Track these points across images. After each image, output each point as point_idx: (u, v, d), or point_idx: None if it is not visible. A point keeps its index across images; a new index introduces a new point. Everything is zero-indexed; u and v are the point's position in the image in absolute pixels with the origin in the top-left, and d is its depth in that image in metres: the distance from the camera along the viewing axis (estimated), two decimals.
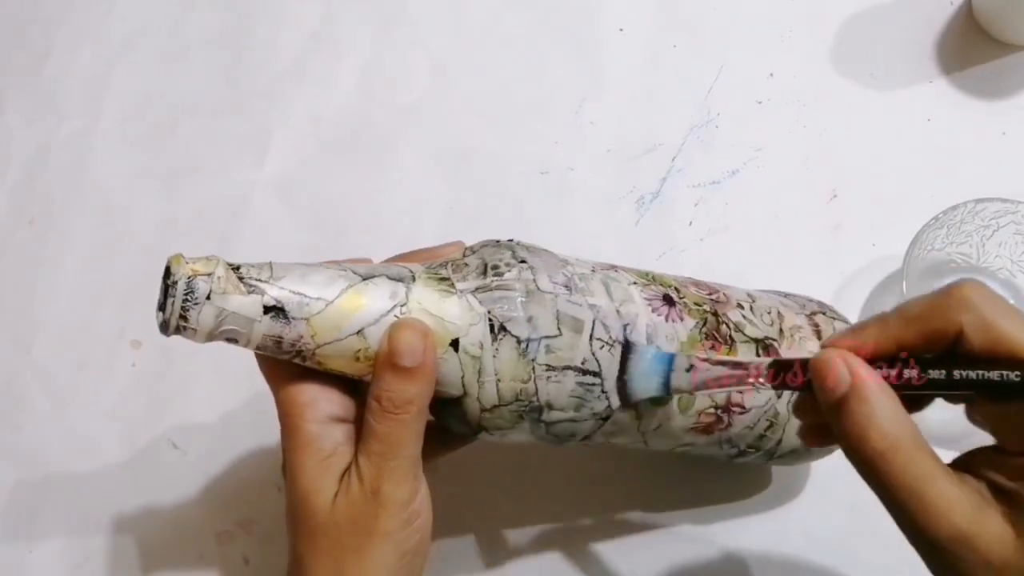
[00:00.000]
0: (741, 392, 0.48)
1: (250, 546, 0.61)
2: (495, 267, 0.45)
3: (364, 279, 0.43)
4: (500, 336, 0.43)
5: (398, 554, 0.44)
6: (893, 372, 0.36)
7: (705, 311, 0.48)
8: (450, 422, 0.46)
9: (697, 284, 0.50)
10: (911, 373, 0.36)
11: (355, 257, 0.47)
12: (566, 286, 0.45)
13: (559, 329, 0.43)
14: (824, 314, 0.53)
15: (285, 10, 0.77)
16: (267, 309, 0.41)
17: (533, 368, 0.43)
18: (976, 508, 0.34)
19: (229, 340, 0.42)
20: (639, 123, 0.69)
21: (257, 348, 0.42)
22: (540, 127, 0.70)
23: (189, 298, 0.40)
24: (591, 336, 0.44)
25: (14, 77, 0.77)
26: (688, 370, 0.43)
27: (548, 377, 0.43)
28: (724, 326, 0.48)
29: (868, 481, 0.36)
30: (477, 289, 0.44)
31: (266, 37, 0.76)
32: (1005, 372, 0.35)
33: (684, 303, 0.48)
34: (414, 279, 0.44)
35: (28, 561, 0.63)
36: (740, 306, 0.50)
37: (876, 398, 0.35)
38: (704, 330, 0.47)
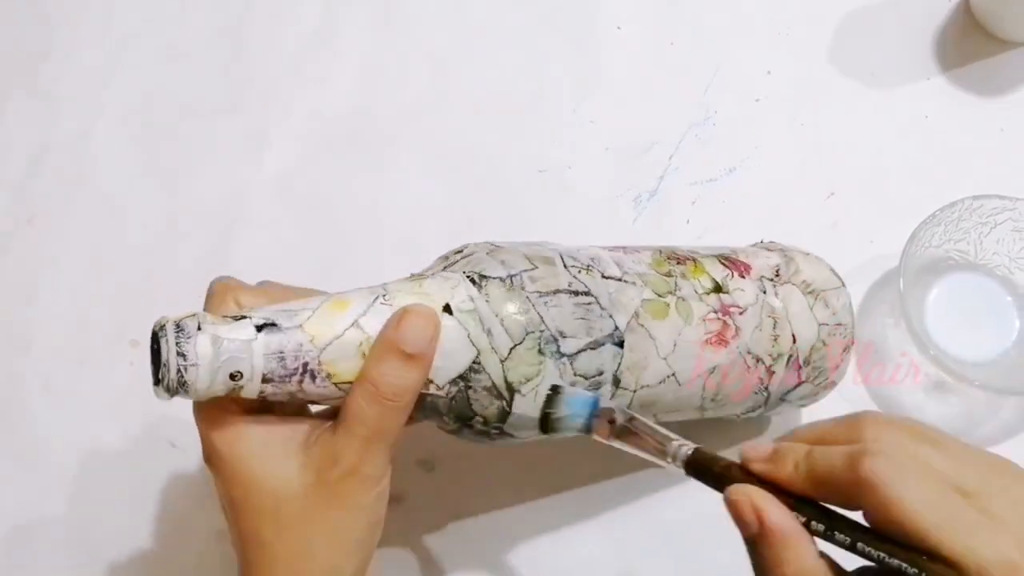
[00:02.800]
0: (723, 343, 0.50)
1: None
2: (452, 251, 0.48)
3: (338, 293, 0.45)
4: (483, 284, 0.45)
5: (368, 524, 0.45)
6: (802, 520, 0.36)
7: (656, 248, 0.52)
8: (479, 406, 0.45)
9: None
10: (818, 527, 0.36)
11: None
12: (523, 243, 0.48)
13: (533, 264, 0.46)
14: (762, 242, 0.57)
15: (285, 9, 0.77)
16: (259, 328, 0.41)
17: (527, 297, 0.45)
18: None
19: (233, 378, 0.41)
20: (637, 121, 0.69)
21: (264, 378, 0.42)
22: (538, 125, 0.70)
23: (181, 335, 0.40)
24: (565, 265, 0.47)
25: (14, 77, 0.77)
26: (611, 422, 0.43)
27: (545, 302, 0.45)
28: (680, 251, 0.52)
29: None
30: (445, 268, 0.46)
31: (266, 36, 0.76)
32: (904, 565, 0.34)
33: (635, 248, 0.52)
34: (384, 285, 0.45)
35: (28, 560, 0.63)
36: (687, 248, 0.54)
37: (782, 544, 0.35)
38: (663, 255, 0.51)
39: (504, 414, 0.45)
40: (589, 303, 0.46)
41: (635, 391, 0.48)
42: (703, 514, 0.58)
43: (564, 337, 0.45)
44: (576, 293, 0.46)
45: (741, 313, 0.51)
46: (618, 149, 0.69)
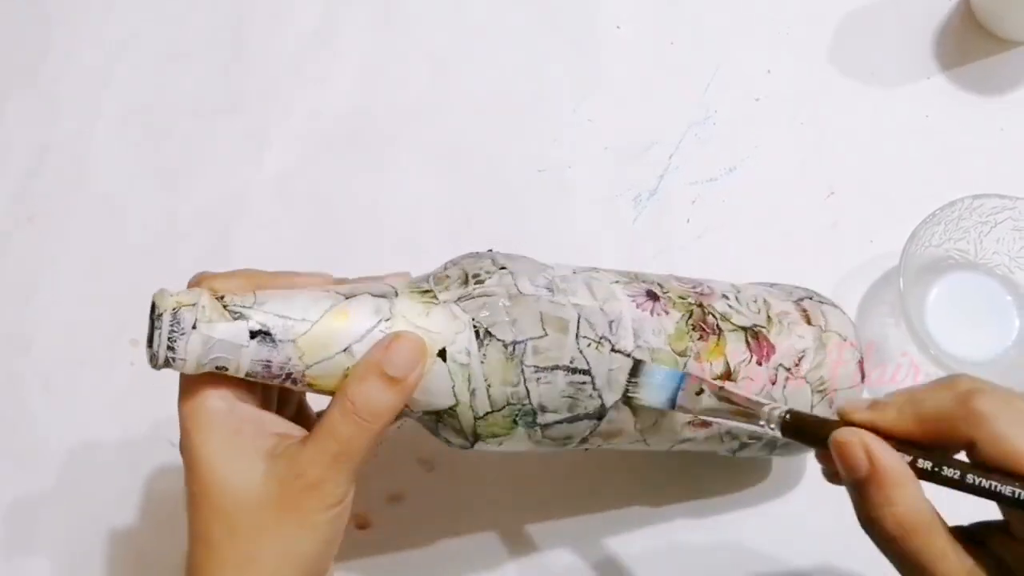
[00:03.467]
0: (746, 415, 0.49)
1: None
2: (476, 275, 0.45)
3: (347, 298, 0.43)
4: (486, 341, 0.43)
5: (322, 543, 0.44)
6: (908, 460, 0.37)
7: (690, 303, 0.49)
8: (446, 435, 0.46)
9: (680, 279, 0.51)
10: (924, 465, 0.37)
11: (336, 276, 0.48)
12: (548, 288, 0.45)
13: (544, 330, 0.44)
14: (811, 299, 0.54)
15: (285, 9, 0.77)
16: (253, 334, 0.41)
17: (522, 370, 0.44)
18: None
19: (219, 369, 0.42)
20: (637, 121, 0.69)
21: (247, 375, 0.42)
22: (538, 125, 0.70)
23: (175, 329, 0.40)
24: (577, 335, 0.44)
25: (14, 76, 0.77)
26: (698, 393, 0.44)
27: (538, 379, 0.44)
28: (711, 316, 0.49)
29: (885, 554, 0.37)
30: (459, 298, 0.44)
31: (265, 36, 0.76)
32: (1017, 490, 0.35)
33: (668, 297, 0.49)
34: (396, 294, 0.44)
35: (28, 560, 0.63)
36: (725, 296, 0.51)
37: (893, 484, 0.36)
38: (690, 322, 0.48)
39: (467, 448, 0.46)
40: (583, 383, 0.45)
41: (599, 446, 0.48)
42: (702, 505, 0.59)
43: (544, 412, 0.45)
44: (575, 371, 0.44)
45: (737, 412, 0.49)
46: (618, 149, 0.69)
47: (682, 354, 0.47)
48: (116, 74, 0.77)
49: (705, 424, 0.49)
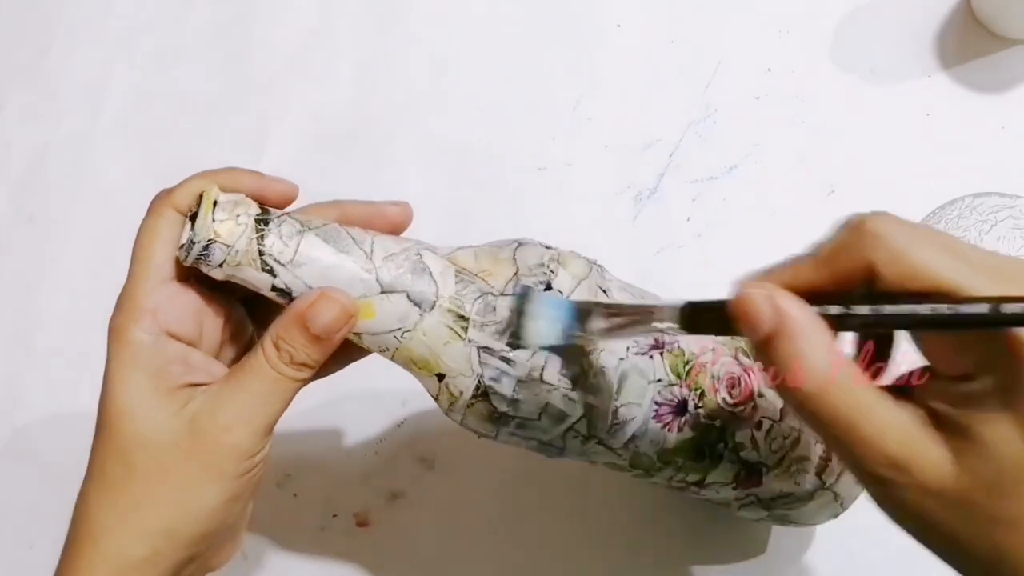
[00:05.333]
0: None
1: (247, 541, 0.61)
2: (514, 336, 0.42)
3: (384, 292, 0.42)
4: (480, 397, 0.42)
5: (225, 498, 0.41)
6: (815, 311, 0.34)
7: (714, 426, 0.45)
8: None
9: (735, 383, 0.46)
10: (834, 311, 0.34)
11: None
12: (573, 379, 0.42)
13: (540, 416, 0.43)
14: None
15: (284, 7, 0.77)
16: (274, 288, 0.41)
17: (498, 431, 0.44)
18: (912, 435, 0.33)
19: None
20: (637, 119, 0.69)
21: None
22: (537, 123, 0.70)
23: (203, 258, 0.40)
24: (571, 427, 0.43)
25: (14, 74, 0.77)
26: (589, 315, 0.41)
27: (508, 441, 0.44)
28: (723, 443, 0.46)
29: (802, 418, 0.35)
30: (484, 348, 0.42)
31: (265, 34, 0.76)
32: (936, 306, 0.32)
33: (698, 413, 0.45)
34: (433, 307, 0.42)
35: (28, 559, 0.63)
36: (759, 425, 0.46)
37: (804, 335, 0.33)
38: (698, 444, 0.45)
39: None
40: (550, 452, 0.45)
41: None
42: (705, 520, 0.59)
43: (504, 445, 0.45)
44: (549, 446, 0.44)
45: (695, 493, 0.49)
46: (618, 147, 0.69)
47: (666, 463, 0.46)
48: (115, 71, 0.77)
49: (670, 487, 0.49)
